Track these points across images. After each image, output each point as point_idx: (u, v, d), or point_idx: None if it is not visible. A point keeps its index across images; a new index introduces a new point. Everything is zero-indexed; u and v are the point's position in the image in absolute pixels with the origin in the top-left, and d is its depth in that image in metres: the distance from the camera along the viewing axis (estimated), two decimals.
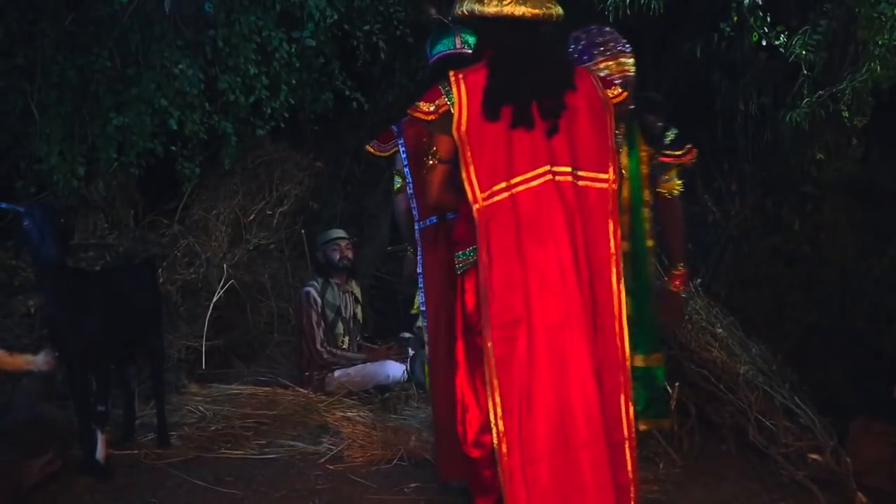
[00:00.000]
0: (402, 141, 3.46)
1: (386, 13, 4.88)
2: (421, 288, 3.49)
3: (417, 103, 2.67)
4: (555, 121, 2.61)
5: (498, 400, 2.55)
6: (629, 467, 2.67)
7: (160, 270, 4.94)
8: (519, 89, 2.60)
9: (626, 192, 3.28)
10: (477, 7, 2.62)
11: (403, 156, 3.45)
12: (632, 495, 2.66)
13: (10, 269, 4.90)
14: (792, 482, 3.60)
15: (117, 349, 3.82)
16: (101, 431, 3.61)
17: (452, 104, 2.59)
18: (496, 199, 2.58)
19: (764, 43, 4.54)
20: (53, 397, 4.11)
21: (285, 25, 4.69)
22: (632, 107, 3.27)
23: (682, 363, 4.07)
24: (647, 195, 3.41)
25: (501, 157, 2.59)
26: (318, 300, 4.96)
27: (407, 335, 5.43)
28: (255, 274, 5.59)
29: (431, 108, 2.63)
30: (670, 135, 3.50)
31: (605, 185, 2.66)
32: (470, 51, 3.11)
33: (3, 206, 3.70)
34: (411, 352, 5.13)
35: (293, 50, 4.69)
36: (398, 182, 3.56)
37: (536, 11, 2.61)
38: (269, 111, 4.83)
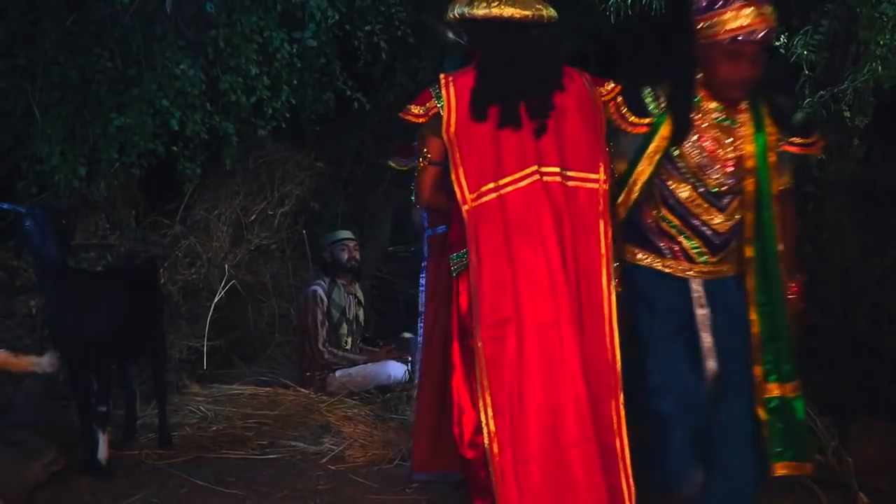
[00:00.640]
0: None
1: (387, 13, 4.88)
2: (422, 290, 3.52)
3: (408, 106, 2.71)
4: (543, 121, 2.63)
5: (489, 400, 2.57)
6: (623, 474, 2.65)
7: (161, 271, 4.94)
8: (506, 90, 2.63)
9: (750, 186, 2.69)
10: (466, 10, 2.66)
11: None
12: (626, 497, 2.64)
13: (11, 269, 4.90)
14: (793, 482, 3.59)
15: (119, 349, 3.82)
16: (102, 432, 3.61)
17: (442, 106, 2.63)
18: (484, 199, 2.61)
19: None
20: (55, 398, 4.11)
21: (286, 26, 4.68)
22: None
23: None
24: (775, 187, 2.75)
25: (490, 158, 2.62)
26: (325, 300, 4.97)
27: (408, 336, 5.43)
28: (256, 274, 5.60)
29: (421, 111, 2.68)
30: (799, 117, 3.05)
31: (595, 186, 2.67)
32: None
33: (5, 206, 3.70)
34: (411, 353, 5.13)
35: (294, 50, 4.69)
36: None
37: (525, 13, 2.63)
38: (270, 111, 4.83)
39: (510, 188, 2.61)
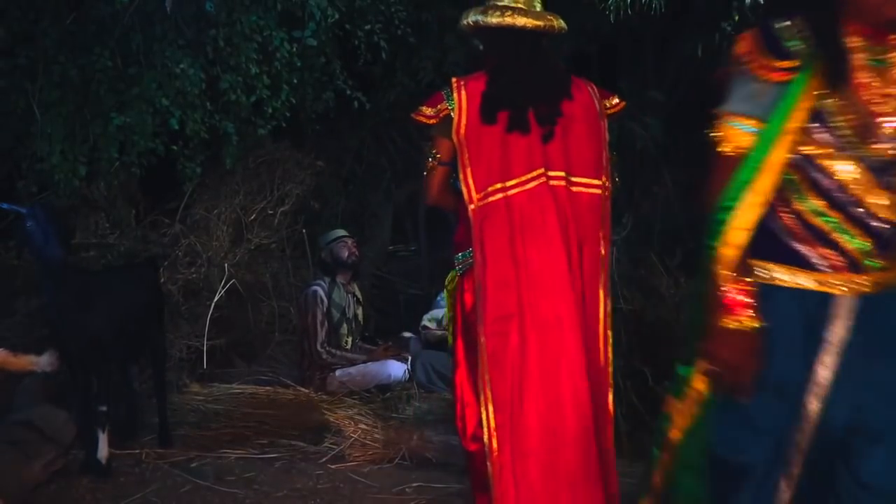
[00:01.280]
0: None
1: (387, 13, 4.87)
2: None
3: (420, 107, 2.77)
4: (551, 127, 2.70)
5: (490, 395, 2.62)
6: (614, 479, 2.71)
7: (161, 270, 4.94)
8: (516, 96, 2.70)
9: None
10: (481, 18, 2.74)
11: None
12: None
13: (11, 269, 4.91)
14: None
15: (119, 349, 3.82)
16: (102, 431, 3.61)
17: (453, 109, 2.69)
18: (491, 199, 2.66)
19: None
20: (55, 397, 4.11)
21: (286, 25, 4.68)
22: None
23: None
24: None
25: (497, 160, 2.68)
26: (325, 300, 4.95)
27: (408, 335, 5.43)
28: (256, 273, 5.60)
29: (432, 113, 2.74)
30: None
31: (597, 192, 2.74)
32: None
33: (5, 206, 3.70)
34: (412, 352, 5.14)
35: (294, 49, 4.68)
36: None
37: (538, 23, 2.72)
38: (270, 111, 4.83)
39: (516, 189, 2.67)
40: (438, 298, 5.31)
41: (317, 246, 5.37)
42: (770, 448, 1.97)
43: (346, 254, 5.07)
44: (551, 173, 2.68)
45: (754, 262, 1.95)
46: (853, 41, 1.91)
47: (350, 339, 5.12)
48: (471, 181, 2.67)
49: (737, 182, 1.92)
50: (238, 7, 4.50)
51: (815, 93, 1.88)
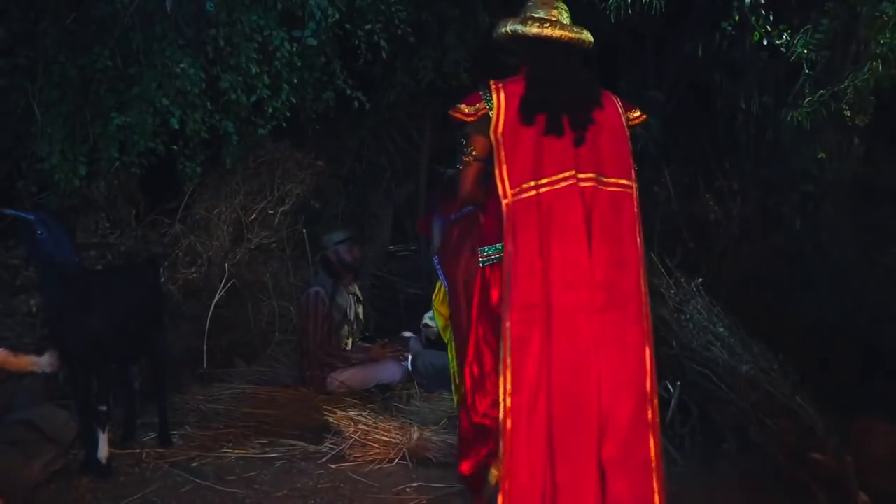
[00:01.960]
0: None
1: (387, 12, 4.86)
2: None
3: (459, 105, 2.95)
4: (582, 132, 2.88)
5: (509, 378, 2.76)
6: (652, 451, 2.79)
7: (162, 270, 4.94)
8: (553, 101, 2.89)
9: None
10: (520, 28, 2.97)
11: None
12: (653, 474, 2.77)
13: (11, 268, 4.90)
14: (794, 481, 3.60)
15: (119, 349, 3.82)
16: (102, 431, 3.61)
17: (491, 108, 2.88)
18: (524, 196, 2.83)
19: (765, 42, 4.54)
20: (55, 397, 4.11)
21: (286, 25, 4.68)
22: None
23: (684, 362, 4.07)
24: None
25: (531, 160, 2.85)
26: (326, 301, 4.94)
27: (408, 334, 5.43)
28: (256, 273, 5.59)
29: (471, 111, 2.92)
30: None
31: (630, 191, 2.92)
32: None
33: (10, 213, 3.68)
34: (412, 351, 5.14)
35: (294, 49, 4.68)
36: None
37: (571, 35, 2.96)
38: (270, 110, 4.82)
39: (547, 188, 2.83)
40: None
41: (319, 245, 5.36)
42: None
43: (352, 258, 5.08)
44: (581, 175, 2.85)
45: None
46: None
47: (350, 340, 5.12)
48: (506, 177, 2.84)
49: None
50: (238, 7, 4.49)
51: None
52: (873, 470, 3.59)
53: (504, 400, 2.75)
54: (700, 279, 4.42)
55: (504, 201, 2.83)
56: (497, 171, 2.85)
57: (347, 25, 4.79)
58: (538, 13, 2.98)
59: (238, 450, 3.95)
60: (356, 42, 4.85)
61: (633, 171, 2.94)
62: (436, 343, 5.05)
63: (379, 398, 4.70)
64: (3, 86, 4.50)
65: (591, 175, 2.86)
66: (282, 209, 5.71)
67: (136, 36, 4.43)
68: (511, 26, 2.99)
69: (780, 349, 4.20)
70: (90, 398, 3.63)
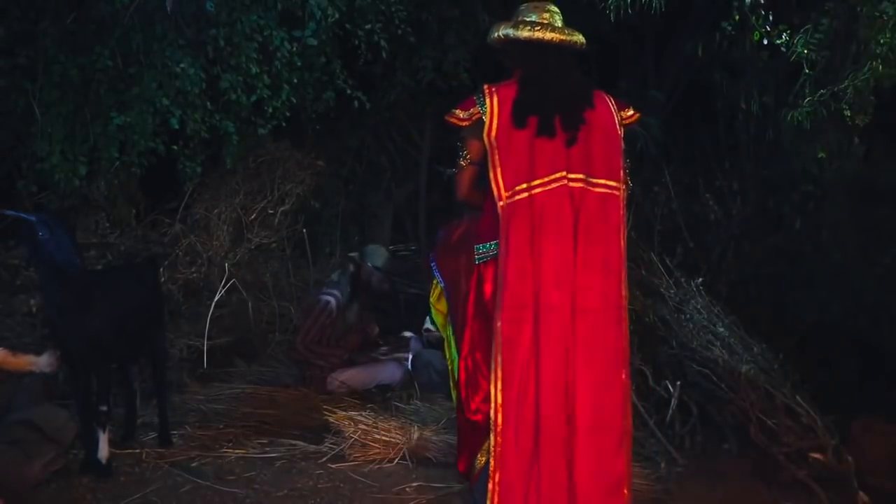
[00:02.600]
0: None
1: (387, 12, 4.86)
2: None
3: (454, 110, 3.01)
4: (574, 133, 2.93)
5: (500, 374, 2.87)
6: (623, 457, 2.94)
7: (162, 269, 4.94)
8: (545, 103, 2.94)
9: None
10: (512, 32, 3.01)
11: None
12: (625, 489, 2.93)
13: (11, 268, 4.90)
14: (794, 481, 3.60)
15: (119, 349, 3.82)
16: (102, 431, 3.61)
17: (485, 113, 2.93)
18: (517, 197, 2.90)
19: (765, 42, 4.54)
20: (55, 397, 4.11)
21: (287, 24, 4.68)
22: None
23: (684, 362, 4.07)
24: None
25: (525, 162, 2.91)
26: (334, 314, 4.91)
27: (408, 334, 5.43)
28: (256, 273, 5.60)
29: (465, 116, 2.98)
30: None
31: (616, 193, 2.97)
32: None
33: (11, 214, 3.68)
34: (412, 351, 5.13)
35: (294, 49, 4.68)
36: None
37: (563, 37, 3.00)
38: (270, 110, 4.82)
39: (539, 189, 2.89)
40: None
41: (357, 253, 5.27)
42: None
43: (381, 288, 5.08)
44: (571, 175, 2.91)
45: None
46: None
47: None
48: (500, 180, 2.90)
49: None
50: (238, 7, 4.49)
51: None
52: (873, 469, 3.59)
53: (495, 396, 2.87)
54: (700, 279, 4.42)
55: (499, 203, 2.90)
56: (491, 175, 2.91)
57: (347, 25, 4.79)
58: (530, 17, 3.04)
59: (238, 450, 3.94)
60: (356, 42, 4.85)
61: (621, 173, 2.99)
62: (436, 346, 5.06)
63: (379, 398, 4.70)
64: (4, 85, 4.50)
65: (580, 176, 2.92)
66: (282, 209, 5.71)
67: (136, 36, 4.43)
68: (503, 30, 3.04)
69: (780, 349, 4.21)
70: (90, 398, 3.63)
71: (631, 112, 3.12)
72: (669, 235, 5.34)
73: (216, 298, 5.14)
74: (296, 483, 3.62)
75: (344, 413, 4.21)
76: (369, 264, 5.11)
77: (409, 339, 5.35)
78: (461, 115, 2.99)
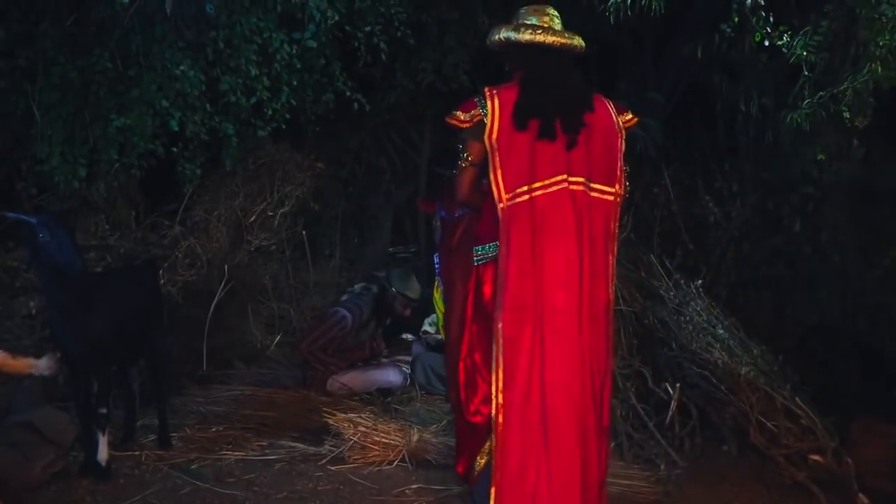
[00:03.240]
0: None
1: (387, 14, 4.87)
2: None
3: (455, 112, 3.03)
4: (574, 136, 2.95)
5: (500, 375, 2.90)
6: (603, 457, 3.02)
7: (161, 272, 4.94)
8: (546, 106, 2.96)
9: None
10: (513, 35, 3.04)
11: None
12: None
13: (11, 270, 4.90)
14: (793, 483, 3.61)
15: (119, 350, 3.82)
16: (102, 433, 3.61)
17: (486, 115, 2.95)
18: (518, 200, 2.92)
19: (765, 44, 4.54)
20: (54, 399, 4.11)
21: (286, 27, 4.68)
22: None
23: (683, 364, 4.07)
24: None
25: (525, 164, 2.93)
26: (347, 328, 4.93)
27: (408, 337, 5.43)
28: (255, 275, 5.59)
29: (466, 118, 3.00)
30: None
31: (611, 198, 3.00)
32: None
33: (11, 216, 3.67)
34: (413, 353, 5.13)
35: (294, 51, 4.68)
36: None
37: (563, 41, 3.02)
38: (270, 112, 4.82)
39: (540, 192, 2.91)
40: None
41: (384, 276, 5.28)
42: None
43: (402, 314, 5.13)
44: (572, 178, 2.93)
45: None
46: None
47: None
48: (501, 182, 2.92)
49: None
50: (238, 9, 4.49)
51: None
52: (873, 471, 3.59)
53: (496, 396, 2.89)
54: (700, 281, 4.42)
55: (499, 205, 2.92)
56: (492, 177, 2.93)
57: (347, 27, 4.79)
58: (530, 20, 3.06)
59: (238, 452, 3.94)
60: (356, 44, 4.85)
61: (619, 180, 3.02)
62: (436, 348, 5.06)
63: (379, 400, 4.70)
64: (3, 87, 4.49)
65: (580, 179, 2.94)
66: (281, 211, 5.71)
67: (135, 38, 4.43)
68: (504, 33, 3.06)
69: (780, 351, 4.21)
70: (90, 400, 3.63)
71: (630, 116, 3.14)
72: (669, 237, 5.34)
73: (215, 300, 5.14)
74: (295, 485, 3.62)
75: (344, 415, 4.21)
76: (394, 290, 5.12)
77: (410, 341, 5.35)
78: (462, 117, 3.01)
